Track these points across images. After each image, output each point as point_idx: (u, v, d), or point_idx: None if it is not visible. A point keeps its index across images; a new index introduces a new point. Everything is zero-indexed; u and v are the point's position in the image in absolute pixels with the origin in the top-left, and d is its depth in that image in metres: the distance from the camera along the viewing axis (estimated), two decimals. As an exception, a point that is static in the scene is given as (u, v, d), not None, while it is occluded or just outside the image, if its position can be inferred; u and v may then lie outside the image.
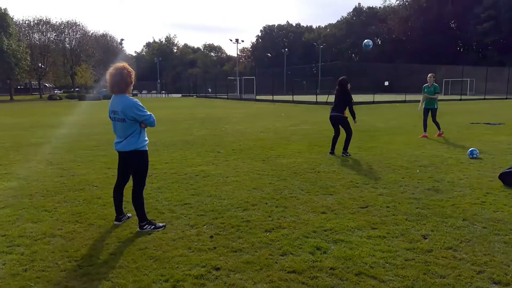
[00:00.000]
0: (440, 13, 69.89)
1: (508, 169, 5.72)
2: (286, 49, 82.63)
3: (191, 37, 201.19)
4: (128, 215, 4.52)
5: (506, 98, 37.84)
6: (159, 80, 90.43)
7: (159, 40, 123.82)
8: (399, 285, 2.93)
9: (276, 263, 3.32)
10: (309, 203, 4.99)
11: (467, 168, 7.01)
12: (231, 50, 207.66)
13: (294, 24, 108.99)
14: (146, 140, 4.20)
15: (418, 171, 6.82)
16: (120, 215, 4.39)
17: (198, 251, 3.58)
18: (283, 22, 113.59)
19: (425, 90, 11.24)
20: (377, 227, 4.12)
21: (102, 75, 68.30)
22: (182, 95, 66.02)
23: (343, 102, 8.51)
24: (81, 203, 5.10)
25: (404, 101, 31.11)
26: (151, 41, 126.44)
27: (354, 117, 8.63)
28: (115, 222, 4.35)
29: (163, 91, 76.06)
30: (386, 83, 32.05)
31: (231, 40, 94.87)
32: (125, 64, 4.09)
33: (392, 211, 4.64)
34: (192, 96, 58.88)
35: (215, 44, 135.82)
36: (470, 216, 4.42)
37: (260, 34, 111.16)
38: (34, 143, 10.81)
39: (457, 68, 45.60)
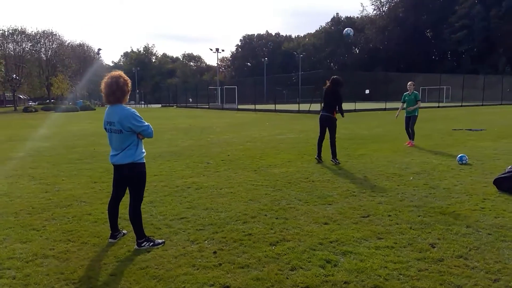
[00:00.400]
0: (416, 23, 71.78)
1: (502, 174, 5.76)
2: (266, 58, 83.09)
3: (170, 46, 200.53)
4: (123, 231, 4.31)
5: (482, 105, 38.90)
6: (138, 91, 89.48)
7: (137, 50, 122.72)
8: (418, 298, 2.84)
9: (287, 278, 3.19)
10: (310, 214, 4.89)
11: (458, 174, 7.05)
12: (211, 60, 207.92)
13: (273, 34, 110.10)
14: (144, 152, 4.02)
15: (411, 178, 6.82)
16: (115, 232, 4.18)
17: (203, 269, 3.42)
18: (262, 32, 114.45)
19: (406, 98, 11.14)
20: (383, 237, 4.04)
21: (79, 86, 67.34)
22: (162, 105, 65.41)
23: (334, 102, 8.43)
24: (70, 220, 4.85)
25: (385, 109, 31.57)
26: (129, 50, 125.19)
27: (342, 113, 8.64)
28: (110, 240, 4.13)
29: (142, 102, 75.21)
30: (367, 92, 32.49)
31: (211, 50, 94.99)
32: (121, 73, 3.93)
33: (395, 219, 4.58)
34: (172, 106, 58.34)
35: (195, 54, 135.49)
36: (473, 222, 4.39)
37: (239, 44, 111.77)
38: (13, 157, 10.38)
39: (433, 76, 46.68)
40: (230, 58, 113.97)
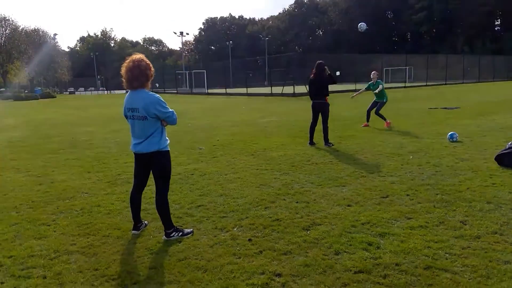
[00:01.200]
0: (377, 5, 72.93)
1: (503, 151, 5.95)
2: (231, 41, 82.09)
3: (129, 30, 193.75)
4: (145, 222, 4.11)
5: (445, 84, 40.33)
6: (98, 77, 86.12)
7: (95, 34, 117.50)
8: (474, 275, 2.87)
9: (336, 263, 3.13)
10: (328, 196, 4.85)
11: (455, 151, 7.24)
12: (173, 44, 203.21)
13: (237, 17, 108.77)
14: (167, 140, 3.81)
15: (411, 157, 6.93)
16: (138, 223, 3.97)
17: (246, 257, 3.30)
18: (225, 15, 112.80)
19: (371, 87, 11.25)
20: (411, 216, 4.07)
21: (36, 72, 63.87)
22: (126, 91, 63.34)
23: (324, 87, 8.39)
24: (80, 213, 4.58)
25: (355, 90, 32.02)
26: (86, 35, 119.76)
27: (335, 81, 8.69)
28: (133, 232, 3.93)
29: (102, 88, 72.33)
30: (338, 73, 32.85)
31: (175, 33, 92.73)
32: (143, 56, 3.68)
33: (415, 199, 4.63)
34: (138, 92, 56.65)
35: (156, 38, 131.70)
36: (491, 198, 4.51)
37: (202, 27, 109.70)
38: (-13, 149, 9.72)
39: (396, 57, 47.91)
40: (194, 42, 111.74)
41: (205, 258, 3.31)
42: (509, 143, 6.03)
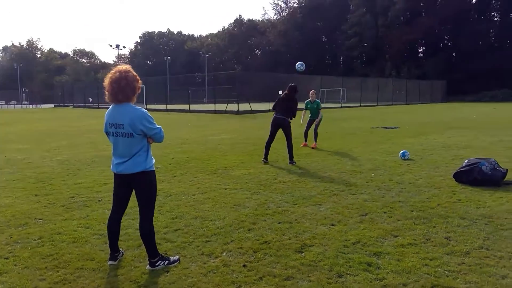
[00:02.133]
0: (313, 29, 76.31)
1: (460, 168, 6.30)
2: (169, 57, 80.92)
3: (58, 41, 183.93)
4: (122, 251, 3.72)
5: (377, 105, 42.83)
6: (22, 89, 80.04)
7: (20, 44, 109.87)
8: (480, 292, 2.90)
9: (347, 287, 3.02)
10: (308, 216, 4.77)
11: (410, 169, 7.55)
12: (106, 57, 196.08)
13: (175, 32, 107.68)
14: (153, 159, 3.51)
15: (373, 174, 7.12)
16: (115, 252, 3.57)
17: (247, 285, 3.09)
18: (163, 29, 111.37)
19: (308, 105, 11.20)
20: (397, 234, 4.10)
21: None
22: (55, 106, 59.62)
23: (290, 108, 8.53)
24: (40, 243, 4.04)
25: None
26: (10, 44, 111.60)
27: (295, 115, 8.71)
28: (110, 262, 3.52)
29: (25, 102, 67.08)
30: (280, 92, 33.49)
31: (111, 46, 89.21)
32: (129, 67, 3.38)
33: (393, 216, 4.70)
34: (68, 106, 53.54)
35: (87, 50, 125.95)
36: (464, 214, 4.71)
37: (139, 41, 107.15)
38: None
39: (331, 79, 50.09)
40: (129, 56, 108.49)
41: (203, 289, 3.04)
42: (466, 161, 6.41)
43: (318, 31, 77.75)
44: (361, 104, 40.79)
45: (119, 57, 70.53)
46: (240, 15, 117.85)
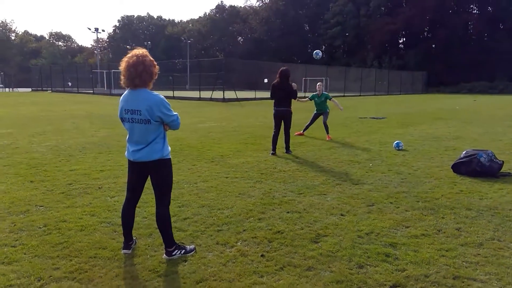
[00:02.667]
0: (295, 17, 76.02)
1: (459, 160, 6.40)
2: (149, 42, 79.39)
3: (33, 23, 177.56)
4: (135, 239, 3.63)
5: (360, 95, 43.22)
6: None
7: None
8: (502, 283, 2.96)
9: (367, 278, 3.03)
10: (316, 206, 4.76)
11: (406, 160, 7.64)
12: (84, 40, 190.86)
13: (155, 17, 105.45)
14: (169, 147, 3.41)
15: (371, 164, 7.17)
16: (129, 241, 3.48)
17: (270, 275, 3.06)
18: (143, 14, 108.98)
19: (315, 99, 10.80)
20: (408, 225, 4.14)
21: None
22: (33, 90, 57.78)
23: (288, 95, 8.12)
24: (46, 231, 3.91)
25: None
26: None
27: (295, 97, 8.42)
28: (124, 251, 3.43)
29: (1, 85, 64.63)
30: (265, 80, 33.31)
31: (89, 29, 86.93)
32: (146, 51, 3.24)
33: (400, 207, 4.73)
34: (47, 90, 51.94)
35: (64, 33, 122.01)
36: (469, 205, 4.79)
37: (118, 25, 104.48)
38: None
39: (314, 68, 50.17)
40: (107, 40, 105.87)
41: (225, 279, 3.00)
42: (464, 152, 6.52)
43: (300, 19, 77.52)
44: (345, 94, 41.05)
45: (97, 40, 68.81)
46: (222, 1, 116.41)
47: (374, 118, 16.07)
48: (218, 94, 28.53)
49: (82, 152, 8.23)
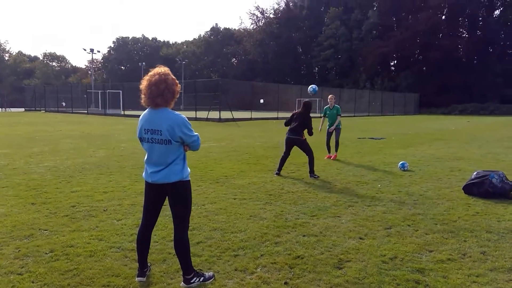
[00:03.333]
0: (289, 39, 77.08)
1: (470, 181, 6.31)
2: (144, 62, 79.66)
3: (27, 44, 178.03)
4: (149, 265, 3.44)
5: (354, 116, 43.49)
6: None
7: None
8: (542, 311, 2.81)
9: (401, 306, 2.86)
10: (332, 229, 4.61)
11: (414, 180, 7.54)
12: (77, 61, 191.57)
13: (150, 38, 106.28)
14: (188, 169, 3.26)
15: (379, 185, 7.05)
16: (144, 268, 3.30)
17: (298, 305, 2.88)
18: (138, 35, 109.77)
19: (327, 112, 10.78)
20: (431, 249, 4.00)
21: None
22: (26, 109, 57.37)
23: (303, 125, 8.10)
24: (54, 257, 3.70)
25: (277, 118, 32.94)
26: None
27: (311, 133, 8.22)
28: (139, 279, 3.24)
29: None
30: (262, 101, 33.47)
31: (85, 50, 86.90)
32: (168, 70, 3.14)
33: (419, 230, 4.60)
34: (40, 110, 51.60)
35: (58, 53, 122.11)
36: (487, 227, 4.66)
37: (112, 46, 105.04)
38: None
39: (306, 88, 50.64)
40: (102, 61, 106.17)
41: (252, 309, 2.81)
42: (474, 173, 6.43)
43: (294, 41, 78.60)
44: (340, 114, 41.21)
45: (92, 61, 68.92)
46: (216, 24, 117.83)
47: (373, 138, 16.06)
48: (214, 114, 28.50)
49: (82, 173, 8.02)
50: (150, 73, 3.08)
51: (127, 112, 36.54)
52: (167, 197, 3.22)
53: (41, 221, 4.79)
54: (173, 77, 3.12)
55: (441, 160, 10.23)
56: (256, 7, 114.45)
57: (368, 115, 46.48)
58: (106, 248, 3.95)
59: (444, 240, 4.24)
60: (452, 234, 4.44)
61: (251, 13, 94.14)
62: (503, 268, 3.52)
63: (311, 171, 8.01)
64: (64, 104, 47.12)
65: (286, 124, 8.40)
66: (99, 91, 44.73)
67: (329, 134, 10.81)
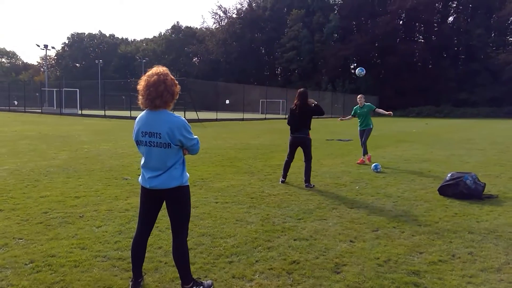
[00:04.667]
0: (252, 40, 77.23)
1: (445, 183, 6.51)
2: (101, 60, 77.17)
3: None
4: (143, 275, 3.26)
5: (318, 118, 44.06)
6: None
7: None
8: (538, 310, 2.90)
9: (406, 310, 2.87)
10: (322, 232, 4.60)
11: (389, 182, 7.71)
12: (29, 57, 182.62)
13: (107, 35, 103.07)
14: (187, 174, 3.12)
15: (357, 187, 7.15)
16: (139, 278, 3.13)
17: (305, 313, 2.81)
18: (95, 31, 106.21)
19: (357, 111, 10.20)
20: (421, 250, 4.07)
21: None
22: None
23: (309, 120, 7.32)
24: (35, 268, 3.44)
25: (243, 119, 32.86)
26: None
27: (321, 111, 7.31)
28: (132, 289, 3.06)
29: None
30: (227, 102, 33.24)
31: (38, 46, 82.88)
32: (167, 70, 2.99)
33: (406, 231, 4.67)
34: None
35: (8, 49, 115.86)
36: (468, 228, 4.81)
37: (67, 42, 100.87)
38: None
39: (271, 89, 50.93)
40: (55, 57, 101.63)
41: (259, 319, 2.72)
42: (449, 174, 6.65)
43: (257, 42, 78.86)
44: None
45: (46, 58, 65.94)
46: (178, 22, 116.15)
47: (341, 140, 16.35)
48: (178, 115, 27.97)
49: (48, 177, 7.58)
50: (148, 73, 2.92)
51: (84, 112, 35.13)
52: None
53: (13, 229, 4.46)
54: (172, 77, 2.98)
55: (409, 161, 10.55)
56: (219, 6, 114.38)
57: (332, 117, 47.40)
58: (90, 257, 3.72)
59: (431, 242, 4.33)
60: (438, 235, 4.55)
61: (213, 12, 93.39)
62: (493, 268, 3.63)
63: (307, 180, 7.23)
64: (16, 102, 44.71)
65: (289, 123, 7.58)
66: (54, 90, 42.71)
67: (361, 134, 10.34)
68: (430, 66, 64.84)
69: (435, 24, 66.77)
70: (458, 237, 4.48)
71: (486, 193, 6.46)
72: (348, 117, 10.92)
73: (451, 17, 68.02)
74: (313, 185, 7.21)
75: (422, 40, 68.56)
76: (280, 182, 7.48)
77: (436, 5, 65.30)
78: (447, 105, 56.95)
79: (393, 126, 29.43)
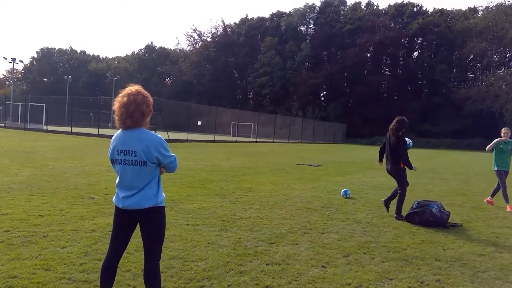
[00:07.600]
0: (226, 63, 78.10)
1: (412, 210, 6.69)
2: (70, 76, 75.55)
3: None
4: (113, 300, 3.14)
5: (288, 142, 44.69)
6: None
7: None
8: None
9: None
10: (294, 257, 4.59)
11: (358, 208, 7.83)
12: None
13: (78, 51, 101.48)
14: (163, 194, 3.07)
15: (328, 212, 7.22)
16: (109, 303, 2.99)
17: None
18: (65, 47, 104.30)
19: (501, 146, 8.83)
20: (391, 277, 4.13)
21: None
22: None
23: (395, 150, 6.96)
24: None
25: (214, 141, 32.77)
26: None
27: (410, 166, 6.98)
28: (103, 316, 2.93)
29: None
30: (199, 123, 33.12)
31: (5, 59, 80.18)
32: (140, 88, 2.99)
33: (375, 258, 4.73)
34: None
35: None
36: (435, 256, 4.93)
37: (36, 56, 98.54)
38: None
39: (243, 112, 51.32)
40: (22, 71, 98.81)
41: None
42: (416, 202, 6.84)
43: (230, 66, 79.77)
44: (274, 140, 42.21)
45: (13, 71, 63.99)
46: (151, 42, 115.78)
47: (310, 165, 16.53)
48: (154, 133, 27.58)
49: (10, 194, 7.25)
50: (120, 94, 2.92)
51: (50, 128, 34.05)
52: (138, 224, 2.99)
53: (-26, 250, 4.20)
54: (145, 95, 2.96)
55: (377, 188, 10.79)
56: (194, 29, 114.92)
57: (301, 142, 48.08)
58: (55, 279, 3.55)
59: (401, 268, 4.40)
60: (406, 262, 4.64)
61: (188, 34, 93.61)
62: (460, 296, 3.72)
63: (398, 212, 6.82)
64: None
65: (380, 153, 7.33)
66: (19, 104, 41.30)
67: (499, 174, 8.82)
68: (395, 97, 67.33)
69: (401, 58, 69.94)
70: (426, 264, 4.58)
71: (450, 222, 6.67)
72: (491, 144, 9.07)
73: (415, 52, 71.47)
74: (403, 218, 6.73)
75: (389, 73, 71.41)
76: (398, 220, 6.80)
77: (402, 40, 68.57)
78: (411, 135, 59.01)
79: (360, 153, 30.16)
